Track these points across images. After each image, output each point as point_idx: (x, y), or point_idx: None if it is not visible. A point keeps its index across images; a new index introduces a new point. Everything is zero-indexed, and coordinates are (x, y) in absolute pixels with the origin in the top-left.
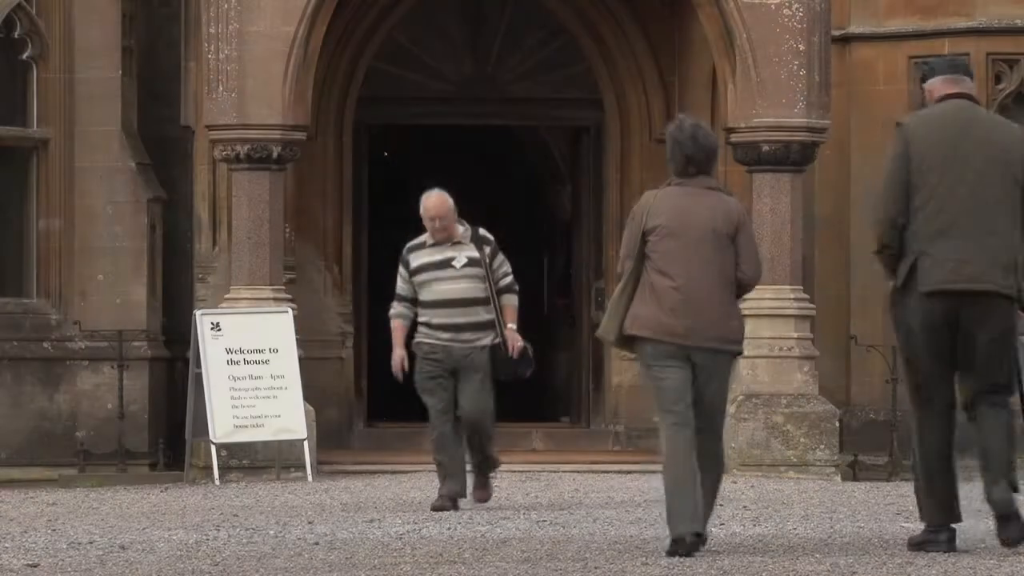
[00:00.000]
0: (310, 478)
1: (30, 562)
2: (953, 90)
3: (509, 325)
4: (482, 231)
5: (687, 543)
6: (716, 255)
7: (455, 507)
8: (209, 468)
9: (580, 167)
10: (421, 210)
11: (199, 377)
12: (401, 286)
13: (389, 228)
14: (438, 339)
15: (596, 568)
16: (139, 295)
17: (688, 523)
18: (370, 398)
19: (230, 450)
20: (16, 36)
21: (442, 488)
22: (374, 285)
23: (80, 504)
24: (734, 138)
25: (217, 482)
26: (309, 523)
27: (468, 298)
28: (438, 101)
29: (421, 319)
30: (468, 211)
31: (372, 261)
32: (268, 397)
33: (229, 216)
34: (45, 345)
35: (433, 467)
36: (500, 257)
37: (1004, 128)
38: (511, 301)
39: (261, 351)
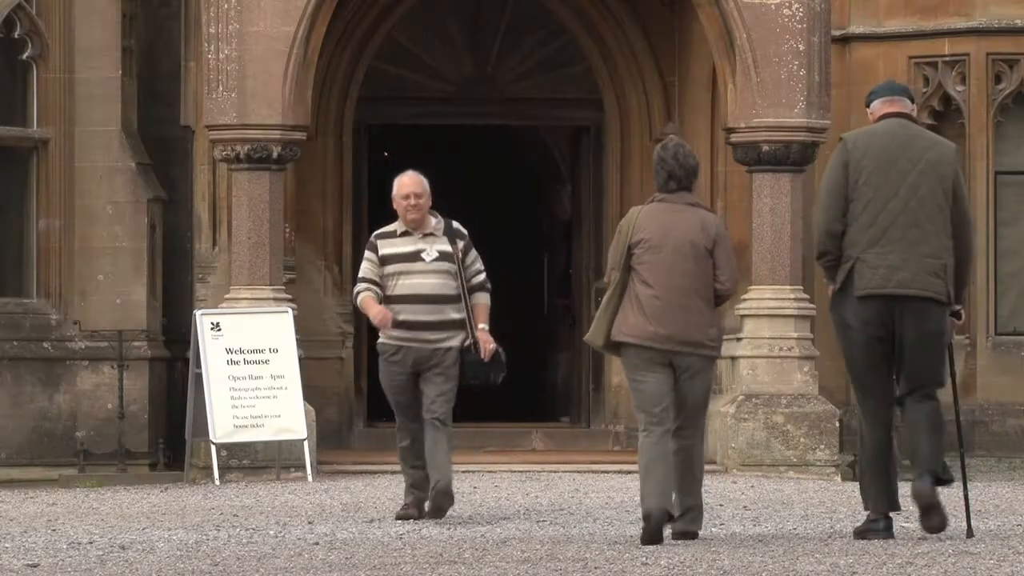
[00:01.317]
0: (310, 478)
1: (30, 562)
2: (891, 109)
3: (480, 326)
4: (456, 224)
5: (654, 518)
6: (694, 266)
7: (420, 515)
8: (209, 468)
9: (580, 167)
10: (394, 191)
11: (199, 377)
12: (369, 269)
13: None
14: (397, 339)
15: (596, 568)
16: (139, 295)
17: (656, 499)
18: (370, 398)
19: (230, 450)
20: (16, 36)
21: (408, 496)
22: None
23: (80, 504)
24: (734, 138)
25: (217, 482)
26: (309, 523)
27: (437, 295)
28: (438, 101)
29: None
30: (468, 211)
31: None
32: (268, 397)
33: (229, 216)
34: (45, 345)
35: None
36: (473, 253)
37: (938, 144)
38: (483, 299)
39: (261, 351)
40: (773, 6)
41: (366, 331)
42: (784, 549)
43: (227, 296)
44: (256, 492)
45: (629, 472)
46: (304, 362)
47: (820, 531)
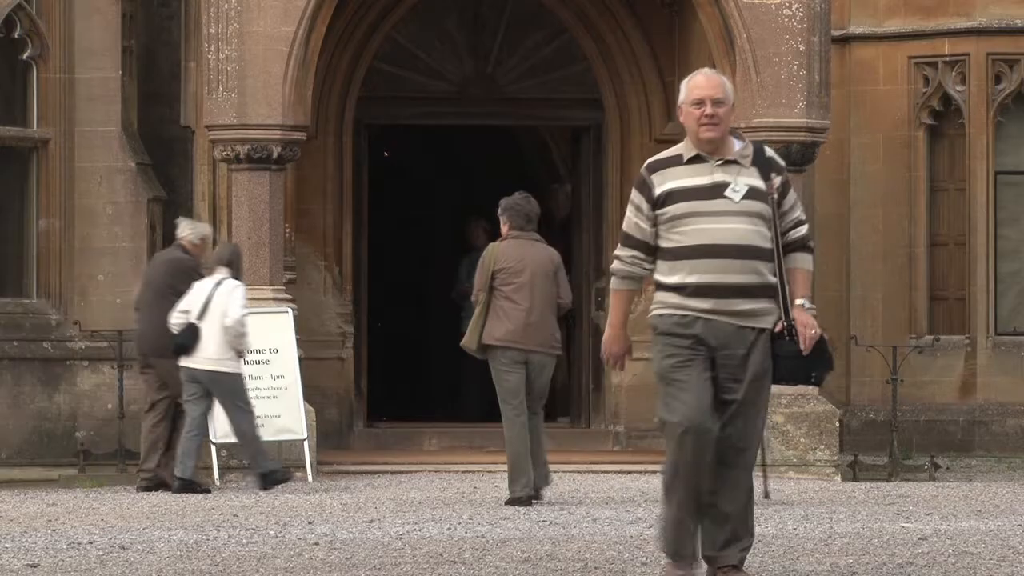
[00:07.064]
0: (310, 478)
1: (30, 562)
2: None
3: (798, 302)
4: (770, 151)
5: (523, 500)
6: (545, 287)
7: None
8: (209, 468)
9: (580, 167)
10: (681, 96)
11: None
12: (637, 225)
13: (389, 228)
14: (693, 310)
15: (596, 568)
16: None
17: (525, 488)
18: (370, 398)
19: (230, 450)
20: (16, 36)
21: (684, 547)
22: (374, 285)
23: (80, 504)
24: None
25: (217, 482)
26: (309, 523)
27: (748, 246)
28: (438, 101)
29: (667, 279)
30: (468, 211)
31: (372, 261)
32: (268, 397)
33: (229, 216)
34: (45, 345)
35: (432, 468)
36: (792, 195)
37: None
38: (804, 263)
39: (261, 351)
40: (773, 6)
41: (366, 331)
42: (784, 549)
43: None
44: (256, 492)
45: (629, 472)
46: (304, 362)
47: (820, 531)
